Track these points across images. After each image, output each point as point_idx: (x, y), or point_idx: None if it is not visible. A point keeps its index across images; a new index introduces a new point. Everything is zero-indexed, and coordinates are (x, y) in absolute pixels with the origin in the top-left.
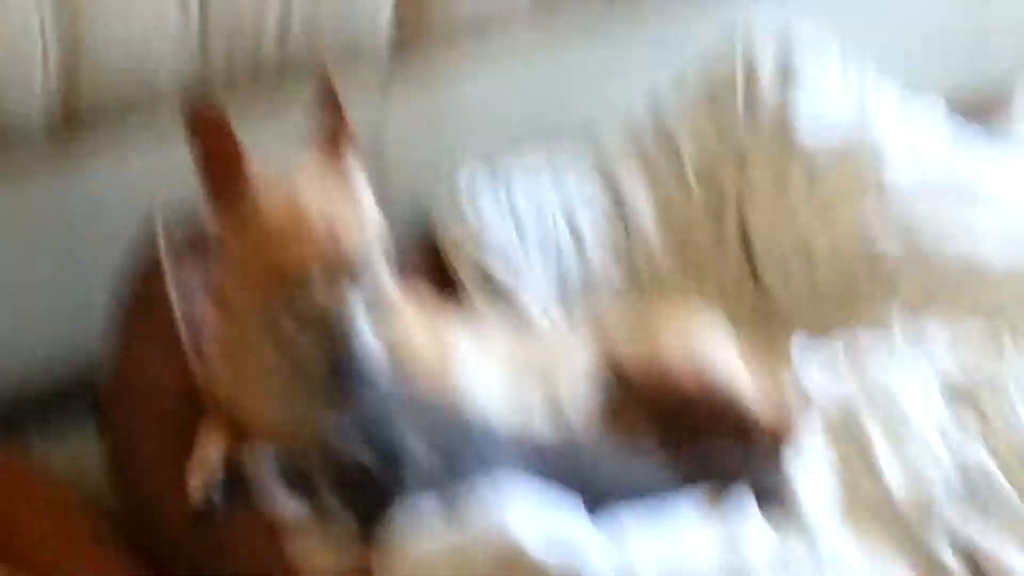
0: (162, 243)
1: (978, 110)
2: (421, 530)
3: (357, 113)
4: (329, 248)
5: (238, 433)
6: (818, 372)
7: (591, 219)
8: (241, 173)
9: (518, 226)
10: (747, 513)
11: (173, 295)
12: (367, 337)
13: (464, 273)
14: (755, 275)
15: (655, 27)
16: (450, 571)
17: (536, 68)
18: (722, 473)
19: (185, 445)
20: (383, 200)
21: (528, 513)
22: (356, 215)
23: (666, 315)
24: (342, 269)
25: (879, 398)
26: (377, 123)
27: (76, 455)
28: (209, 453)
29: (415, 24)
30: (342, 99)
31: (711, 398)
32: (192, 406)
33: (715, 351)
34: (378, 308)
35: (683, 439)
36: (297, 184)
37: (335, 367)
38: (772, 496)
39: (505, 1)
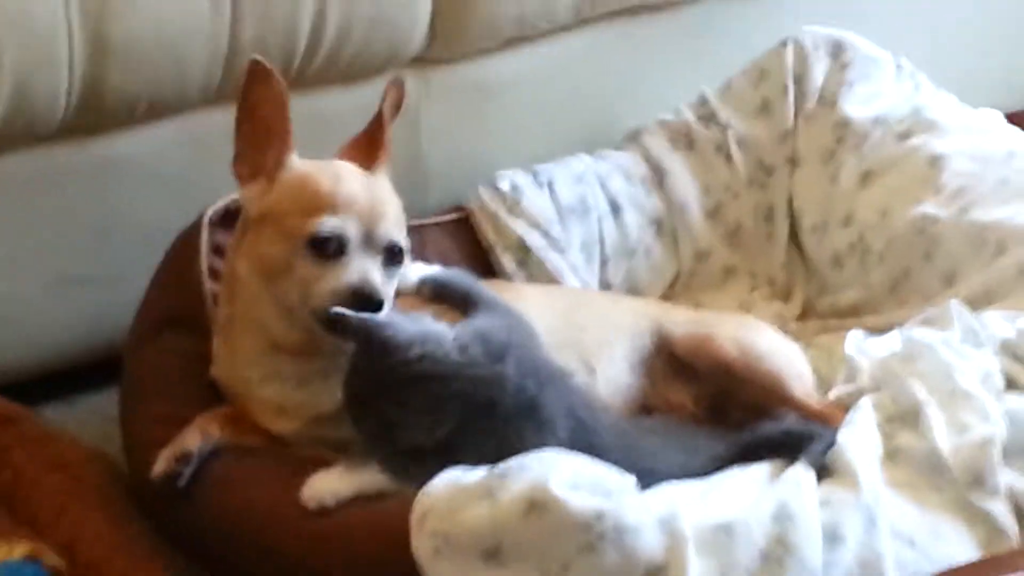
0: (204, 221)
1: None
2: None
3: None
4: (370, 218)
5: (233, 426)
6: (863, 338)
7: (628, 188)
8: (287, 132)
9: (552, 194)
10: (798, 481)
11: (203, 272)
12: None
13: (496, 241)
14: (800, 249)
15: (700, 35)
16: (478, 505)
17: (576, 75)
18: (771, 452)
19: (181, 420)
20: (419, 198)
21: (564, 462)
22: (395, 208)
23: (717, 311)
24: (377, 241)
25: (926, 357)
26: (414, 124)
27: (96, 420)
28: (188, 438)
29: (453, 31)
30: (390, 114)
31: (755, 378)
32: (195, 387)
33: (762, 338)
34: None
35: (729, 417)
36: (342, 165)
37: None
38: (826, 473)
39: (545, 8)
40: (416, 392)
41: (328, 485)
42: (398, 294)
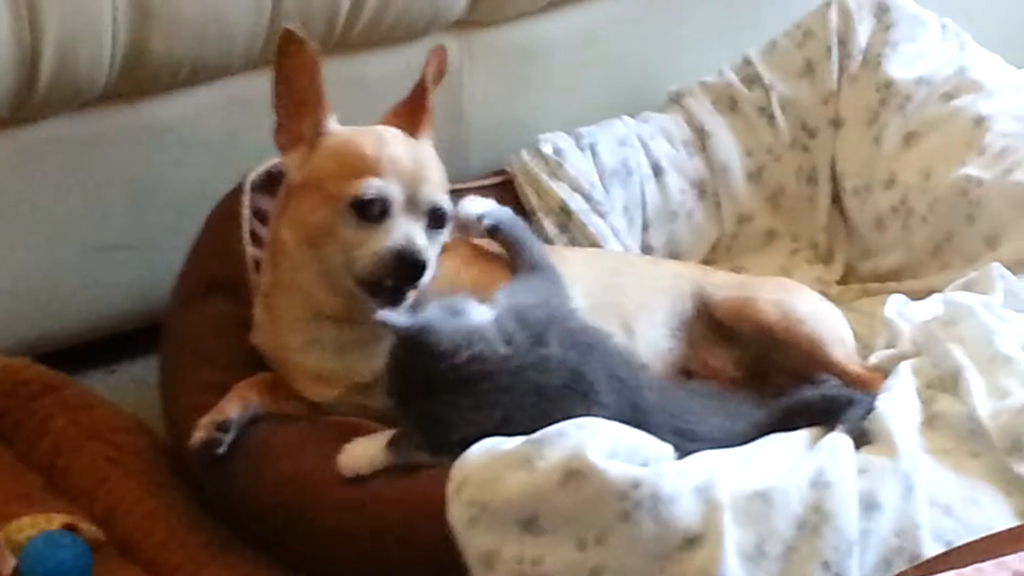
0: (245, 186)
1: None
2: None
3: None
4: (413, 180)
5: (272, 394)
6: (904, 302)
7: (671, 151)
8: (321, 98)
9: (594, 157)
10: (836, 448)
11: (245, 237)
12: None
13: (538, 205)
14: (843, 214)
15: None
16: (516, 474)
17: (618, 38)
18: (810, 419)
19: (221, 387)
20: (461, 163)
21: (601, 429)
22: (438, 172)
23: (758, 275)
24: (421, 204)
25: (966, 321)
26: (456, 87)
27: (135, 388)
28: (228, 406)
29: None
30: (432, 81)
31: (796, 342)
32: (236, 354)
33: (803, 302)
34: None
35: (769, 382)
36: (384, 129)
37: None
38: (864, 439)
39: None
40: (464, 393)
41: (365, 453)
42: (458, 228)
